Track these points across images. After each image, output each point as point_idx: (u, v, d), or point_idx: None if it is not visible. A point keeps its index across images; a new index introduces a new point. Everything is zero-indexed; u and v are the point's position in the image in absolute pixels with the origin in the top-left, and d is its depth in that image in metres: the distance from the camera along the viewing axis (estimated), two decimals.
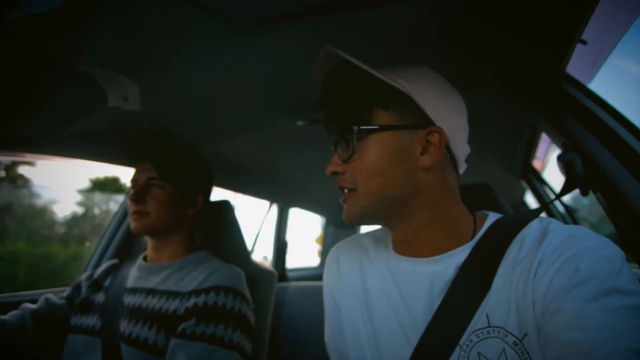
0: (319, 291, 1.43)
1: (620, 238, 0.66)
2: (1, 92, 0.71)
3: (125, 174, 1.24)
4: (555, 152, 1.58)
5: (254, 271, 1.12)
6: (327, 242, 2.94)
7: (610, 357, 0.39)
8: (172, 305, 0.88)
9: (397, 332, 0.58)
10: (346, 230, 2.93)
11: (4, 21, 0.49)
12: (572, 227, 0.52)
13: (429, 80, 0.59)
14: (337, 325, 0.68)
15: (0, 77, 0.67)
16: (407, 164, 0.57)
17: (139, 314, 0.90)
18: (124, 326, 0.90)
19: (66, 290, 1.06)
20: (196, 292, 0.88)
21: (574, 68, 0.75)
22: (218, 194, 1.19)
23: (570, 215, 1.62)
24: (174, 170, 1.01)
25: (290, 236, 2.37)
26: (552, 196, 1.55)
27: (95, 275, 1.06)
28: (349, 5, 0.59)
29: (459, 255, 0.56)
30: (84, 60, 0.67)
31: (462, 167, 0.62)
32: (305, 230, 2.93)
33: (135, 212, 0.96)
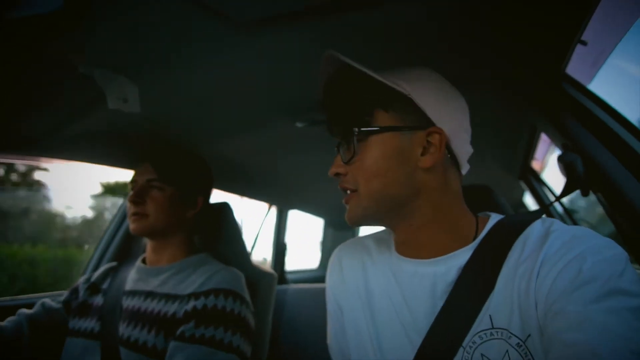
0: (318, 293, 1.44)
1: (621, 238, 0.66)
2: (1, 93, 0.71)
3: (125, 177, 1.24)
4: (555, 153, 1.58)
5: (254, 273, 1.11)
6: (326, 244, 2.93)
7: (613, 358, 0.39)
8: (172, 308, 0.88)
9: (400, 333, 0.58)
10: (345, 232, 2.93)
11: (4, 21, 0.49)
12: (574, 228, 0.52)
13: (430, 81, 0.59)
14: (339, 326, 0.67)
15: (0, 77, 0.67)
16: (407, 165, 0.57)
17: (138, 317, 0.90)
18: (123, 329, 0.89)
19: (64, 294, 1.05)
20: (195, 295, 0.88)
21: (574, 69, 0.75)
22: (217, 196, 1.19)
23: (570, 216, 1.63)
24: (173, 171, 1.01)
25: (289, 238, 2.37)
26: (551, 197, 1.55)
27: (93, 279, 1.05)
28: (349, 6, 0.59)
29: (461, 256, 0.56)
30: (83, 61, 0.67)
31: (465, 168, 0.62)
32: (305, 232, 2.92)
33: (134, 214, 0.96)
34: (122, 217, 1.39)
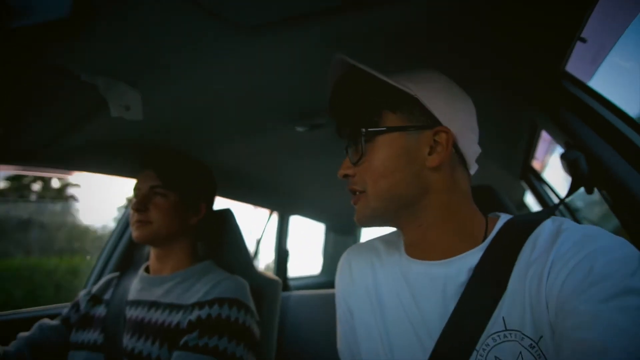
0: (321, 300, 1.44)
1: (627, 235, 0.65)
2: (1, 103, 0.71)
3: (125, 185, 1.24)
4: (556, 152, 1.59)
5: (259, 281, 1.10)
6: (328, 250, 2.92)
7: (624, 357, 0.39)
8: (175, 318, 0.87)
9: (411, 335, 0.57)
10: (347, 237, 2.93)
11: (8, 30, 0.49)
12: (585, 227, 0.52)
13: (437, 82, 0.60)
14: (349, 329, 0.67)
15: (1, 87, 0.67)
16: (414, 164, 0.57)
17: (142, 328, 0.89)
18: (127, 341, 0.88)
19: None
20: (200, 305, 0.87)
21: (574, 66, 0.76)
22: (217, 203, 1.18)
23: (572, 215, 1.63)
24: (177, 178, 1.00)
25: (291, 244, 2.36)
26: (552, 196, 1.55)
27: (94, 291, 1.05)
28: (349, 9, 0.59)
29: (472, 257, 0.56)
30: (85, 69, 0.67)
31: (473, 168, 0.63)
32: (306, 238, 2.91)
33: (137, 221, 0.95)
34: (124, 226, 1.39)
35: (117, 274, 1.10)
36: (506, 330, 0.50)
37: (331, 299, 1.42)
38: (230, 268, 1.02)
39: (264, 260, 2.46)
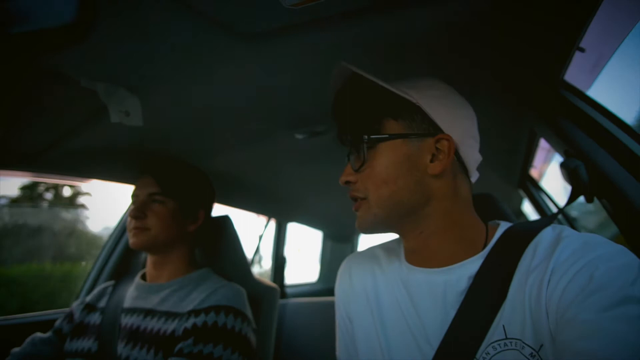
0: (318, 307, 1.43)
1: (626, 243, 0.65)
2: (1, 105, 0.70)
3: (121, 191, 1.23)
4: (554, 161, 1.59)
5: (257, 288, 1.09)
6: (325, 257, 2.91)
7: None
8: (171, 326, 0.86)
9: (411, 342, 0.57)
10: (344, 245, 2.92)
11: (11, 36, 0.49)
12: (585, 235, 0.52)
13: (438, 90, 0.61)
14: (349, 336, 0.67)
15: (2, 90, 0.66)
16: (416, 171, 0.58)
17: (137, 336, 0.87)
18: (121, 349, 0.87)
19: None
20: (195, 312, 0.86)
21: (573, 75, 0.76)
22: (216, 209, 1.18)
23: (571, 224, 1.63)
24: (175, 185, 1.00)
25: (288, 251, 2.35)
26: (550, 205, 1.56)
27: (88, 300, 1.04)
28: (349, 18, 0.60)
29: (472, 264, 0.56)
30: (85, 74, 0.66)
31: (474, 176, 0.63)
32: (303, 245, 2.90)
33: (135, 228, 0.94)
34: (120, 232, 1.37)
35: (111, 282, 1.08)
36: (507, 338, 0.50)
37: (328, 307, 1.42)
38: (227, 275, 1.01)
39: (262, 268, 2.45)
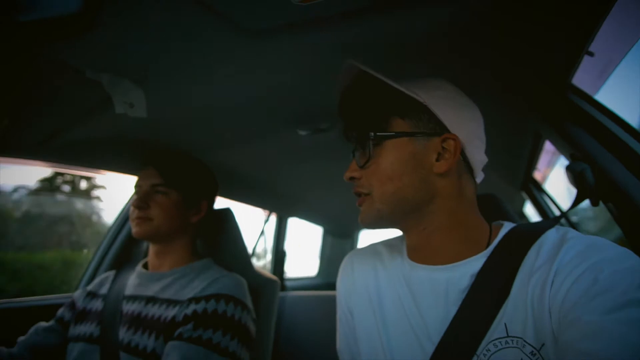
0: (317, 301, 1.44)
1: (632, 248, 0.65)
2: (3, 96, 0.70)
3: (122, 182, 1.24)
4: (558, 164, 1.59)
5: (257, 280, 1.10)
6: (325, 252, 2.92)
7: None
8: (172, 312, 0.87)
9: (411, 338, 0.57)
10: (343, 240, 2.92)
11: (14, 23, 0.49)
12: (590, 237, 0.52)
13: (445, 91, 0.61)
14: (350, 330, 0.67)
15: (4, 80, 0.66)
16: (421, 169, 0.58)
17: (138, 322, 0.88)
18: (123, 334, 0.88)
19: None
20: (196, 299, 0.87)
21: (580, 79, 0.76)
22: (218, 202, 1.18)
23: (573, 228, 1.62)
24: (178, 176, 1.00)
25: (288, 246, 2.36)
26: (553, 208, 1.55)
27: (90, 288, 1.05)
28: (355, 16, 0.59)
29: (475, 263, 0.56)
30: (90, 65, 0.66)
31: (480, 177, 0.64)
32: (303, 240, 2.91)
33: (138, 217, 0.95)
34: (122, 221, 1.38)
35: (113, 271, 1.09)
36: (508, 336, 0.50)
37: (327, 301, 1.44)
38: (228, 266, 1.02)
39: (262, 261, 2.46)
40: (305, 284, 2.78)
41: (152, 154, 1.06)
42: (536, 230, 0.56)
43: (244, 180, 1.50)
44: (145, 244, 1.32)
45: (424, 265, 0.60)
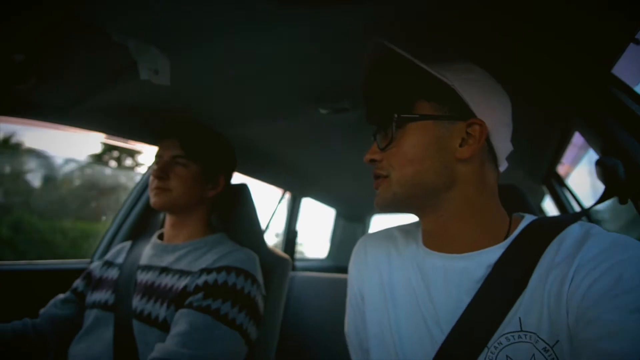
0: (326, 283, 1.45)
1: None
2: (32, 53, 0.71)
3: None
4: (584, 160, 1.53)
5: (270, 258, 1.11)
6: (336, 235, 2.93)
7: None
8: (183, 282, 0.89)
9: (421, 326, 0.57)
10: (355, 224, 2.93)
11: None
12: (614, 235, 0.50)
13: (474, 74, 0.59)
14: (359, 315, 0.67)
15: (33, 37, 0.66)
16: (444, 154, 0.57)
17: (151, 291, 0.91)
18: (136, 302, 0.90)
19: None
20: (207, 270, 0.88)
21: (621, 69, 0.72)
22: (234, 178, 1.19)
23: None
24: (199, 149, 1.01)
25: (301, 226, 2.37)
26: (574, 205, 1.51)
27: (107, 258, 1.08)
28: None
29: (492, 253, 0.55)
30: (117, 29, 0.66)
31: (503, 166, 0.62)
32: (315, 221, 2.92)
33: (157, 188, 0.96)
34: (141, 191, 1.40)
35: (129, 242, 1.11)
36: (522, 331, 0.49)
37: (336, 283, 1.45)
38: (242, 242, 1.03)
39: (273, 239, 2.49)
40: (314, 266, 2.80)
41: (174, 125, 1.06)
42: (559, 224, 0.55)
43: (261, 157, 1.50)
44: (161, 215, 1.34)
45: (439, 253, 0.59)
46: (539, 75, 0.82)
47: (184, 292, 0.86)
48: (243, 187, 1.15)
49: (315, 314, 1.38)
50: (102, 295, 0.96)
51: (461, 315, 0.53)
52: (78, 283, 1.04)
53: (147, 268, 0.96)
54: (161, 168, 0.97)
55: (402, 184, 0.57)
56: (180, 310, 0.83)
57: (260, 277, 0.94)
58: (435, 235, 0.60)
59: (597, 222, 1.92)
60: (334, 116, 1.09)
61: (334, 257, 2.91)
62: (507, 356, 0.49)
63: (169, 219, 1.03)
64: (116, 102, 0.94)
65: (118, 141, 1.20)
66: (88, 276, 1.05)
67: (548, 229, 0.55)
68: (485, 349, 0.50)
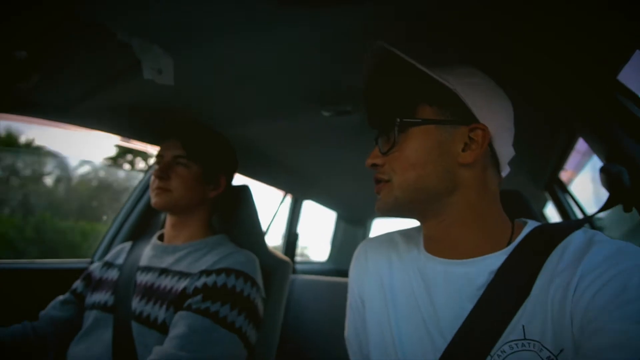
0: (326, 286, 1.44)
1: None
2: (35, 50, 0.71)
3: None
4: (587, 166, 1.52)
5: (270, 260, 1.10)
6: (337, 238, 2.92)
7: None
8: (183, 284, 0.88)
9: (423, 333, 0.56)
10: (356, 227, 2.92)
11: None
12: (620, 242, 0.49)
13: (476, 78, 0.59)
14: (360, 320, 0.66)
15: (36, 35, 0.66)
16: (447, 158, 0.56)
17: (150, 293, 0.90)
18: (135, 304, 0.90)
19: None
20: (207, 272, 0.88)
21: (626, 76, 0.71)
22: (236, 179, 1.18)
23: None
24: (201, 150, 1.00)
25: (302, 228, 2.36)
26: (577, 211, 1.50)
27: (107, 259, 1.07)
28: None
29: (494, 259, 0.55)
30: (121, 28, 0.66)
31: (505, 171, 0.62)
32: (316, 224, 2.91)
33: (158, 188, 0.96)
34: (142, 191, 1.40)
35: (129, 243, 1.11)
36: (525, 339, 0.49)
37: (336, 287, 1.44)
38: (242, 244, 1.02)
39: (274, 241, 2.48)
40: (315, 269, 2.79)
41: (176, 125, 1.06)
42: (562, 230, 0.54)
43: (262, 158, 1.49)
44: (162, 216, 1.33)
45: (440, 259, 0.59)
46: (539, 76, 0.82)
47: (183, 294, 0.86)
48: (244, 189, 1.15)
49: (315, 317, 1.38)
50: (101, 297, 0.96)
51: (463, 323, 0.52)
52: (77, 284, 1.04)
53: (147, 269, 0.96)
54: (162, 168, 0.97)
55: (404, 188, 0.57)
56: (179, 313, 0.83)
57: (260, 280, 0.93)
58: (437, 240, 0.60)
59: (600, 229, 1.91)
60: (335, 118, 1.08)
61: (334, 260, 2.90)
62: None
63: (169, 220, 1.02)
64: (116, 101, 0.95)
65: (131, 143, 1.21)
66: (88, 277, 1.04)
67: (551, 235, 0.54)
68: (488, 357, 0.50)
